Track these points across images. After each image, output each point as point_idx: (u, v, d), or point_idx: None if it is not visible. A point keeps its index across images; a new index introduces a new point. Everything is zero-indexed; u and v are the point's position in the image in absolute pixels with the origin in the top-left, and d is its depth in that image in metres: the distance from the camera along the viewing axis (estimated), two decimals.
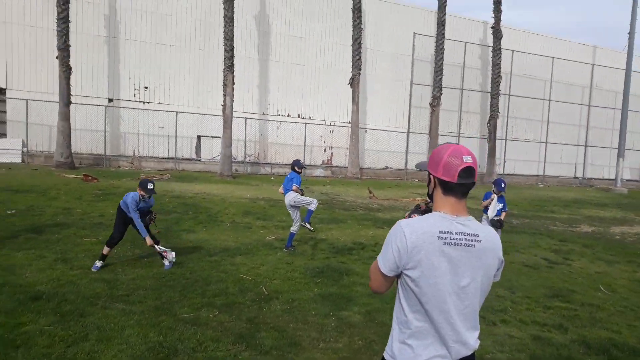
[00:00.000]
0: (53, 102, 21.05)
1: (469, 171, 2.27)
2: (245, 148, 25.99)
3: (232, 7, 22.43)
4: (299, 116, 27.96)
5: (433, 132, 27.79)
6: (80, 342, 4.56)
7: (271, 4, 26.88)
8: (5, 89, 22.17)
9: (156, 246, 7.28)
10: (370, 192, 18.71)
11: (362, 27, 26.22)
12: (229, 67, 22.49)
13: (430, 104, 28.17)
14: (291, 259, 8.45)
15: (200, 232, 10.14)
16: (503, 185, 8.95)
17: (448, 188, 2.29)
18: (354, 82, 25.87)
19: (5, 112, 22.15)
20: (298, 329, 5.39)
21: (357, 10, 25.47)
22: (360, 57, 25.81)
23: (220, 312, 5.71)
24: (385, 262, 2.27)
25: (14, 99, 22.04)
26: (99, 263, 7.01)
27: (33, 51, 22.25)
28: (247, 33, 26.43)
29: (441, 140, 29.62)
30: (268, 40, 27.11)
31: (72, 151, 22.28)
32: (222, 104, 22.83)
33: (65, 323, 4.97)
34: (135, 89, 24.63)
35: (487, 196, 9.14)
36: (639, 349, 5.56)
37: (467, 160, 2.27)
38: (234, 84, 22.72)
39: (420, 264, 2.19)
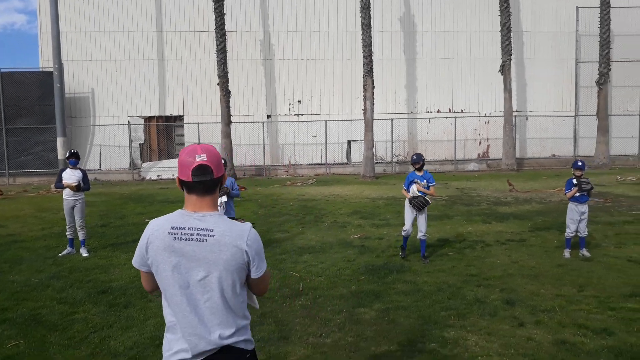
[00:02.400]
0: (217, 123, 24.15)
1: (202, 169, 2.30)
2: (392, 148, 26.29)
3: (369, 15, 23.03)
4: (449, 110, 27.28)
5: (601, 112, 24.59)
6: (105, 329, 5.64)
7: (416, 4, 26.80)
8: (182, 116, 26.16)
9: None
10: (510, 185, 17.57)
11: (511, 10, 24.57)
12: (368, 72, 23.13)
13: (597, 82, 24.96)
14: (357, 256, 8.75)
15: (294, 232, 10.98)
16: (580, 164, 8.19)
17: (188, 187, 2.34)
18: (504, 68, 24.38)
19: (183, 135, 26.13)
20: (300, 324, 5.77)
21: None
22: (510, 42, 24.23)
23: None
24: (135, 257, 2.41)
25: (189, 123, 25.86)
26: None
27: (201, 81, 25.81)
28: (392, 36, 26.79)
29: (613, 121, 26.06)
30: (414, 39, 27.07)
31: (238, 163, 25.31)
32: (363, 108, 23.55)
33: (107, 313, 6.17)
34: (289, 104, 26.81)
35: (569, 185, 8.31)
36: None
37: (200, 158, 2.30)
38: (373, 87, 23.28)
39: (154, 259, 2.31)
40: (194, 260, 2.27)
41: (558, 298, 6.47)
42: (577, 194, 8.25)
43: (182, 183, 2.36)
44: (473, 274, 7.58)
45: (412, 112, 27.30)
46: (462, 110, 27.28)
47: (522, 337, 5.29)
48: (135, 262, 2.41)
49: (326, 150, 25.95)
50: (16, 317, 6.07)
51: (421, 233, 8.52)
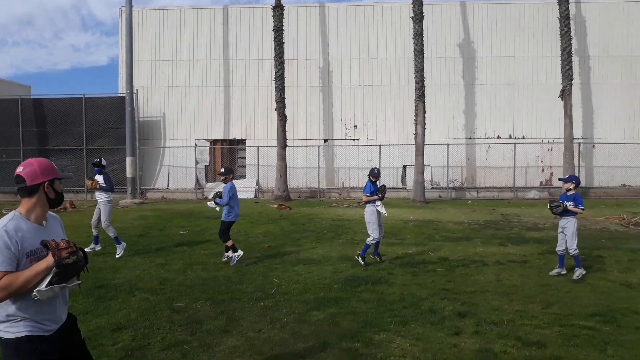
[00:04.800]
0: (275, 146, 25.21)
1: (16, 178, 2.92)
2: (447, 174, 25.96)
3: (422, 41, 23.28)
4: (510, 136, 26.56)
5: None
6: (82, 315, 6.37)
7: (475, 30, 26.69)
8: (245, 140, 27.58)
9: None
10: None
11: (577, 35, 23.81)
12: (420, 96, 23.26)
13: None
14: (346, 269, 9.02)
15: (306, 246, 11.40)
16: (567, 177, 8.42)
17: None
18: (564, 94, 23.48)
19: (244, 158, 27.49)
20: (249, 321, 6.22)
21: (564, 19, 23.30)
22: (570, 67, 23.36)
23: (208, 304, 6.94)
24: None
25: (250, 146, 27.20)
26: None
27: (263, 107, 27.12)
28: (450, 62, 26.77)
29: None
30: (473, 65, 26.86)
31: (294, 185, 26.16)
32: (414, 132, 23.62)
33: (92, 303, 6.95)
34: (346, 129, 27.42)
35: (561, 198, 8.34)
36: None
37: (18, 170, 2.94)
38: (425, 112, 23.32)
39: None
40: None
41: (517, 313, 6.42)
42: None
43: None
44: (447, 288, 7.62)
45: (470, 138, 26.88)
46: (523, 137, 26.46)
47: (449, 344, 5.38)
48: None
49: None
50: None
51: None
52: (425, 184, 24.50)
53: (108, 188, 10.37)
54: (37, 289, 2.75)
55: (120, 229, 13.75)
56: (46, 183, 2.97)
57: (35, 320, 2.85)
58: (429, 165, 25.54)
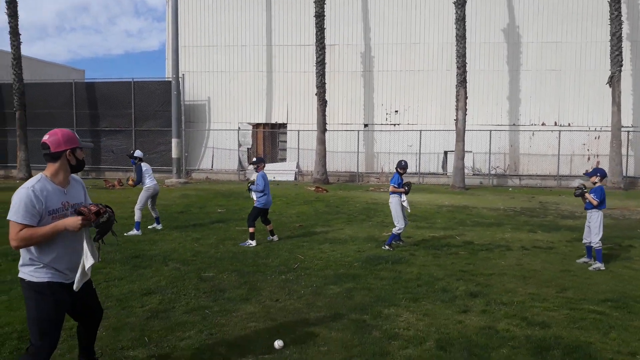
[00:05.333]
0: (315, 130, 25.53)
1: (42, 145, 3.38)
2: (489, 160, 25.59)
3: (464, 26, 22.93)
4: (555, 124, 25.88)
5: None
6: (117, 281, 6.94)
7: (521, 15, 26.01)
8: (286, 124, 28.05)
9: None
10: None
11: (628, 19, 22.84)
12: (461, 82, 22.99)
13: None
14: (370, 249, 9.30)
15: (335, 227, 11.73)
16: (590, 171, 8.28)
17: None
18: (613, 80, 22.66)
19: (285, 141, 27.99)
20: (268, 292, 6.60)
21: (615, 2, 22.40)
22: (620, 52, 22.47)
23: (234, 275, 7.38)
24: None
25: (291, 130, 27.66)
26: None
27: (304, 92, 27.47)
28: (494, 47, 26.25)
29: None
30: (518, 50, 26.23)
31: (333, 169, 26.48)
32: (455, 118, 23.40)
33: (128, 271, 7.50)
34: (387, 114, 27.42)
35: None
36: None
37: (44, 138, 3.39)
38: (466, 98, 23.05)
39: None
40: None
41: (529, 296, 6.53)
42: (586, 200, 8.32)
43: None
44: (465, 270, 7.77)
45: (514, 125, 26.36)
46: (569, 124, 25.73)
47: (454, 321, 5.59)
48: None
49: (419, 159, 26.08)
50: None
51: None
52: (466, 171, 24.32)
53: (137, 182, 11.01)
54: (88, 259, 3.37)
55: (162, 207, 14.49)
56: (68, 151, 3.40)
57: (55, 268, 3.30)
58: (470, 152, 25.28)
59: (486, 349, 4.82)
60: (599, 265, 8.03)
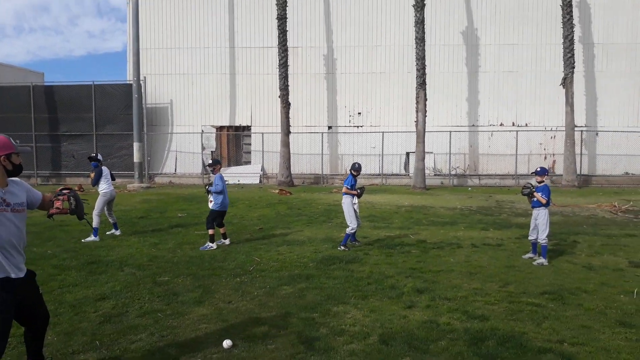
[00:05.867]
0: (278, 133, 25.67)
1: None
2: (450, 161, 26.22)
3: (423, 29, 23.46)
4: (513, 124, 26.71)
5: None
6: (71, 287, 6.97)
7: (479, 18, 26.75)
8: (250, 126, 28.10)
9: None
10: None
11: (581, 23, 23.83)
12: (421, 84, 23.50)
13: None
14: (326, 250, 9.51)
15: (295, 229, 11.92)
16: (539, 170, 8.63)
17: None
18: (566, 81, 23.55)
19: (250, 144, 28.04)
20: (222, 294, 6.74)
21: (567, 6, 23.31)
22: (572, 54, 23.38)
23: (189, 279, 7.48)
24: None
25: (255, 133, 27.73)
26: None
27: (268, 94, 27.60)
28: (453, 50, 26.90)
29: None
30: (477, 52, 26.97)
31: (298, 172, 26.66)
32: (415, 119, 23.90)
33: (83, 277, 7.52)
34: (350, 116, 27.77)
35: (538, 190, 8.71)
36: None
37: None
38: (426, 100, 23.58)
39: None
40: None
41: (472, 291, 6.85)
42: (533, 199, 8.64)
43: None
44: (415, 267, 8.07)
45: (473, 125, 27.08)
46: (526, 124, 26.60)
47: (399, 316, 5.84)
48: None
49: (382, 160, 26.52)
50: None
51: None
52: (427, 171, 24.87)
53: (94, 184, 11.06)
54: None
55: (122, 212, 14.42)
56: (3, 157, 3.55)
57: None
58: (431, 152, 25.86)
59: (426, 341, 5.09)
60: (542, 260, 8.43)
